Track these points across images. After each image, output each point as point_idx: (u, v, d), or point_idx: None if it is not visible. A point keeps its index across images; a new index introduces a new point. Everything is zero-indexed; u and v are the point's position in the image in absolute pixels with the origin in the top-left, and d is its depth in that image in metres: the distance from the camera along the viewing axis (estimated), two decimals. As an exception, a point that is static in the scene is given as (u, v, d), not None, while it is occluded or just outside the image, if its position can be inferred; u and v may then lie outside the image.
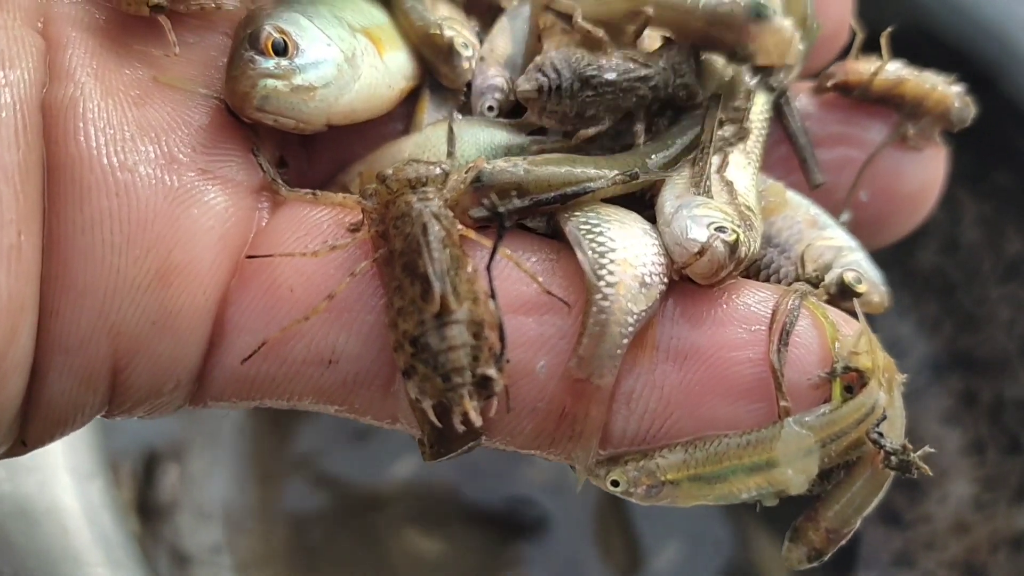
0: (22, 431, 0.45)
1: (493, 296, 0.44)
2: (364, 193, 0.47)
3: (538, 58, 0.52)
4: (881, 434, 0.46)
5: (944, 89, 0.58)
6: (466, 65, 0.53)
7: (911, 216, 0.58)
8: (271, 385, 0.46)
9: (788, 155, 0.56)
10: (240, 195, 0.47)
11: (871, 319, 0.49)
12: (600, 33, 0.52)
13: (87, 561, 0.77)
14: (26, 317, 0.42)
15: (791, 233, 0.53)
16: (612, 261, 0.46)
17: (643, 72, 0.52)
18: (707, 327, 0.47)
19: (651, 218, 0.49)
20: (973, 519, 0.99)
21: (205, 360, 0.46)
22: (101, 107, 0.45)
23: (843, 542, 0.48)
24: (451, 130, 0.51)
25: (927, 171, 0.57)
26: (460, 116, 0.54)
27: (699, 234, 0.46)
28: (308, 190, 0.48)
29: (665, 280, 0.47)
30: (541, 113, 0.51)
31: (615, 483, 0.47)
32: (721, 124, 0.53)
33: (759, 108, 0.55)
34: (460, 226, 0.46)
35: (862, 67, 0.57)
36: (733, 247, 0.46)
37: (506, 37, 0.55)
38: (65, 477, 0.79)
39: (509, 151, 0.52)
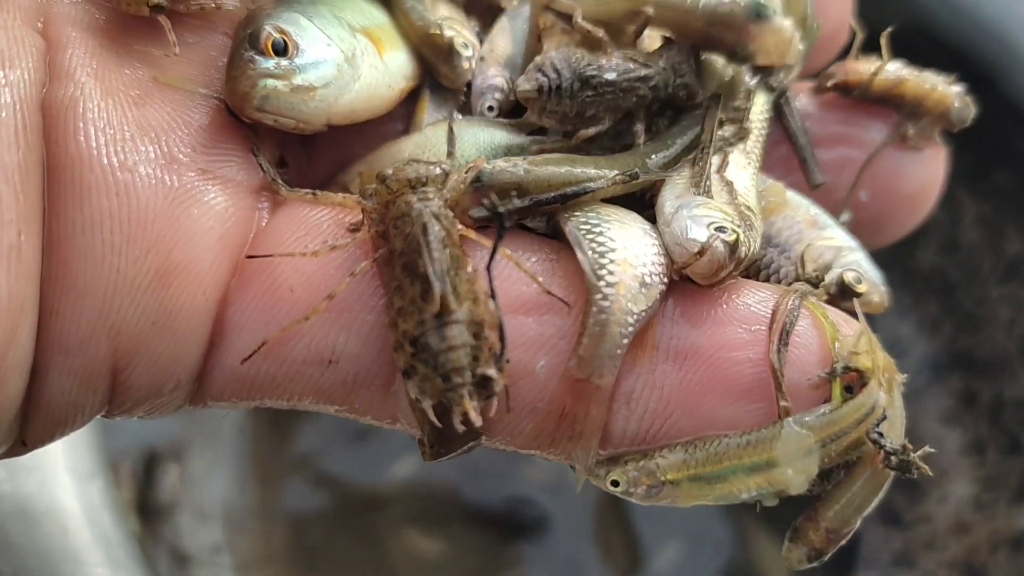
0: (22, 431, 0.45)
1: (493, 296, 0.44)
2: (364, 193, 0.47)
3: (538, 58, 0.52)
4: (881, 434, 0.46)
5: (944, 89, 0.57)
6: (466, 65, 0.53)
7: (911, 216, 0.58)
8: (271, 385, 0.46)
9: (788, 155, 0.56)
10: (240, 195, 0.47)
11: (871, 319, 0.49)
12: (600, 33, 0.52)
13: (87, 561, 0.77)
14: (26, 317, 0.42)
15: (791, 233, 0.53)
16: (612, 261, 0.46)
17: (643, 72, 0.52)
18: (707, 327, 0.47)
19: (651, 218, 0.49)
20: (973, 519, 0.99)
21: (205, 360, 0.46)
22: (101, 107, 0.45)
23: (843, 542, 0.48)
24: (451, 130, 0.51)
25: (927, 171, 0.57)
26: (460, 116, 0.54)
27: (699, 234, 0.46)
28: (308, 190, 0.48)
29: (665, 280, 0.47)
30: (541, 113, 0.51)
31: (615, 483, 0.47)
32: (721, 124, 0.53)
33: (759, 108, 0.55)
34: (460, 226, 0.46)
35: (862, 67, 0.57)
36: (733, 247, 0.46)
37: (506, 37, 0.55)
38: (65, 477, 0.79)
39: (509, 151, 0.52)
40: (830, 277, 0.51)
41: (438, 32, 0.53)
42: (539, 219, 0.49)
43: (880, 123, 0.58)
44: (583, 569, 1.02)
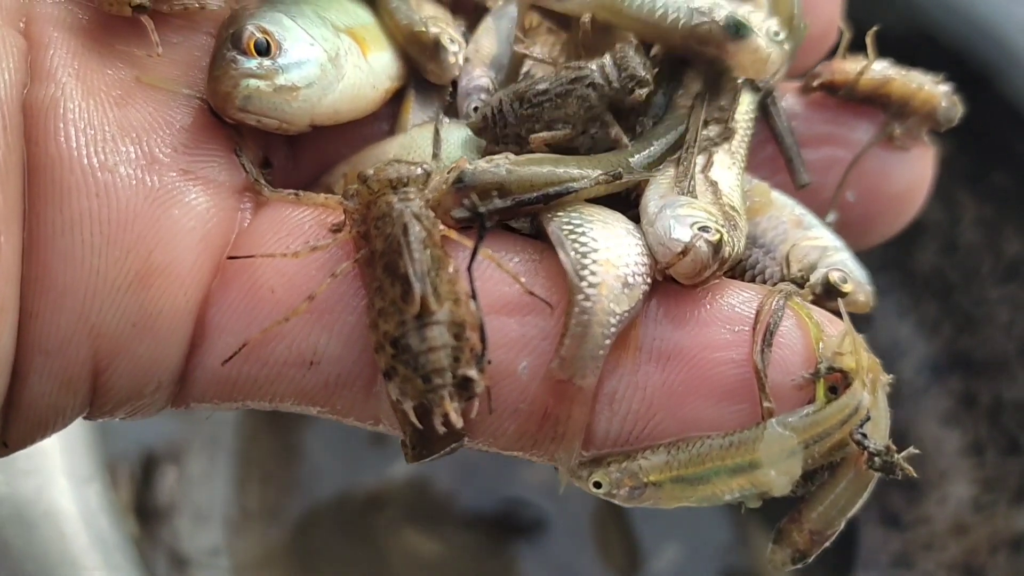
0: (3, 433, 0.45)
1: (474, 297, 0.44)
2: (346, 193, 0.47)
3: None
4: (865, 435, 0.45)
5: (931, 88, 0.57)
6: (453, 60, 0.53)
7: (898, 216, 0.57)
8: (253, 386, 0.46)
9: (774, 155, 0.56)
10: (222, 196, 0.47)
11: (868, 321, 0.49)
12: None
13: (85, 564, 0.77)
14: (6, 319, 0.42)
15: (776, 233, 0.53)
16: (595, 261, 0.46)
17: (575, 75, 0.51)
18: (690, 328, 0.46)
19: (635, 218, 0.49)
20: (972, 520, 0.98)
21: (186, 361, 0.46)
22: (82, 107, 0.45)
23: (827, 544, 0.48)
24: (437, 132, 0.51)
25: (914, 171, 0.57)
26: (446, 119, 0.53)
27: (682, 234, 0.46)
28: (291, 191, 0.48)
29: (648, 280, 0.47)
30: (496, 142, 0.51)
31: (597, 484, 0.47)
32: (706, 124, 0.52)
33: (744, 108, 0.54)
34: (442, 227, 0.46)
35: (848, 67, 0.57)
36: (716, 247, 0.46)
37: (491, 37, 0.55)
38: (62, 480, 0.79)
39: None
40: (815, 277, 0.51)
41: (423, 30, 0.53)
42: (523, 219, 0.49)
43: (867, 123, 0.57)
44: (581, 571, 1.02)
